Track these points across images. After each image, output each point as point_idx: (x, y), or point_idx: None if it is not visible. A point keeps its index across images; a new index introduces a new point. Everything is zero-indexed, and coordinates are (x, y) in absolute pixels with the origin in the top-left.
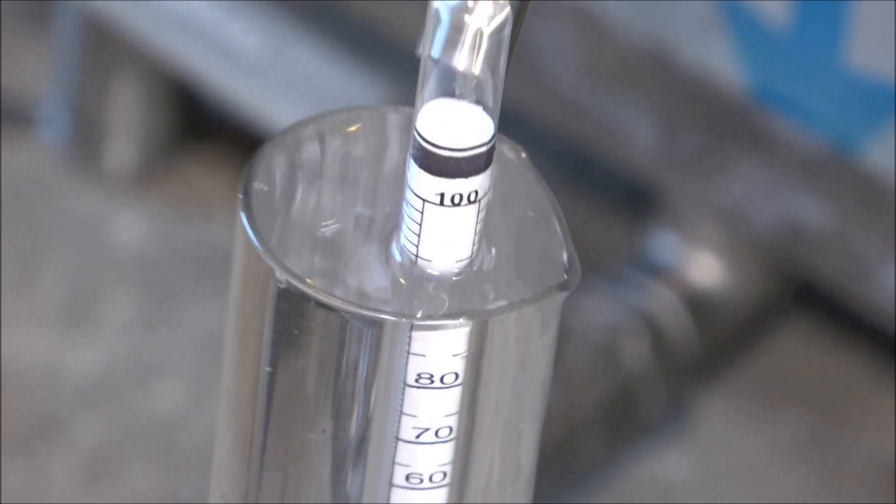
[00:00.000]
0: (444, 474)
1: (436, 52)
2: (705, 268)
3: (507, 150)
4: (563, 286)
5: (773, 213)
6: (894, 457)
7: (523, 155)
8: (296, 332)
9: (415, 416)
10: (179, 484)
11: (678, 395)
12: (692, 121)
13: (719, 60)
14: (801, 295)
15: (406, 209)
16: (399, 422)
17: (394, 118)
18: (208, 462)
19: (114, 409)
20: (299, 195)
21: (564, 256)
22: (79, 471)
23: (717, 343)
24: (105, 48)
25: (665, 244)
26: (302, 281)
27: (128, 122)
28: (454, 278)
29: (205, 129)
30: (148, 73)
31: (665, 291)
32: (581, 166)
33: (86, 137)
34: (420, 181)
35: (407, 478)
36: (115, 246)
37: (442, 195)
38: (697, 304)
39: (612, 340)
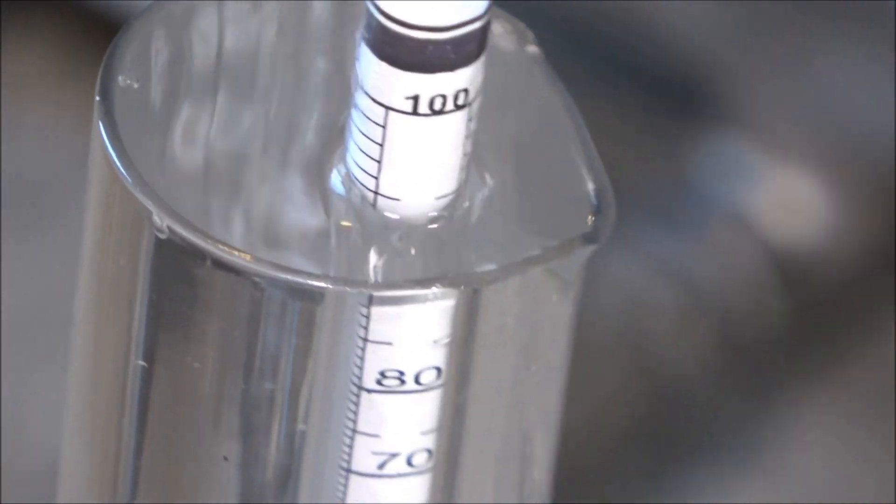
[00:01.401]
0: None
1: None
2: (789, 203)
3: (503, 33)
4: (588, 237)
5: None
6: None
7: (530, 40)
8: (184, 306)
9: (376, 435)
10: None
11: (750, 396)
12: None
13: None
14: None
15: (356, 121)
16: (350, 445)
17: None
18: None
19: None
20: (185, 97)
21: (590, 190)
22: None
23: (809, 318)
24: None
25: (729, 166)
26: (193, 228)
27: None
28: (431, 226)
29: None
30: None
31: (730, 239)
32: (604, 52)
33: None
34: (380, 79)
35: None
36: None
37: (415, 99)
38: (779, 258)
39: (650, 315)
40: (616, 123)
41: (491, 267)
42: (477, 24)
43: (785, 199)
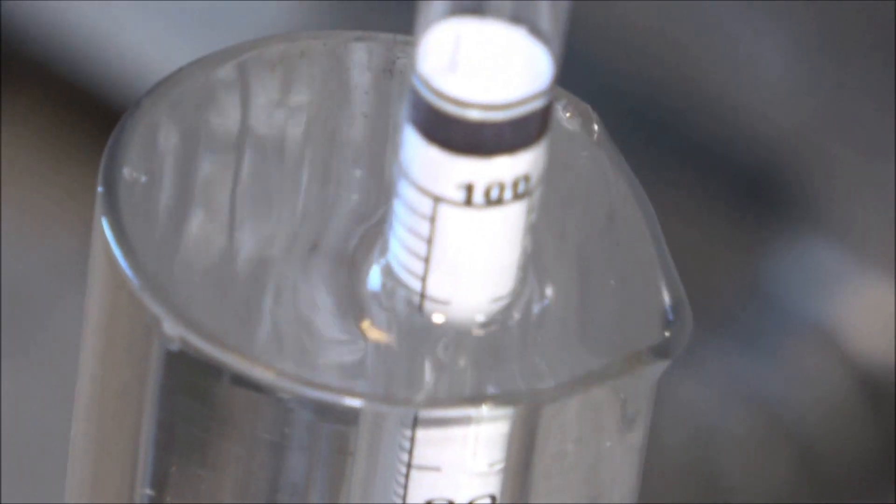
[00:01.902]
0: None
1: None
2: (877, 314)
3: (566, 114)
4: (660, 351)
5: None
6: None
7: (595, 123)
8: (198, 427)
9: None
10: None
11: None
12: (866, 55)
13: None
14: None
15: (400, 215)
16: None
17: (363, 54)
18: None
19: None
20: (200, 189)
21: (665, 298)
22: None
23: None
24: None
25: (818, 270)
26: (210, 338)
27: None
28: (483, 333)
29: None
30: None
31: (812, 357)
32: (675, 142)
33: None
34: (429, 165)
35: None
36: None
37: (469, 187)
38: (866, 378)
39: (723, 444)
40: (685, 221)
41: (550, 383)
42: (539, 103)
43: (872, 310)
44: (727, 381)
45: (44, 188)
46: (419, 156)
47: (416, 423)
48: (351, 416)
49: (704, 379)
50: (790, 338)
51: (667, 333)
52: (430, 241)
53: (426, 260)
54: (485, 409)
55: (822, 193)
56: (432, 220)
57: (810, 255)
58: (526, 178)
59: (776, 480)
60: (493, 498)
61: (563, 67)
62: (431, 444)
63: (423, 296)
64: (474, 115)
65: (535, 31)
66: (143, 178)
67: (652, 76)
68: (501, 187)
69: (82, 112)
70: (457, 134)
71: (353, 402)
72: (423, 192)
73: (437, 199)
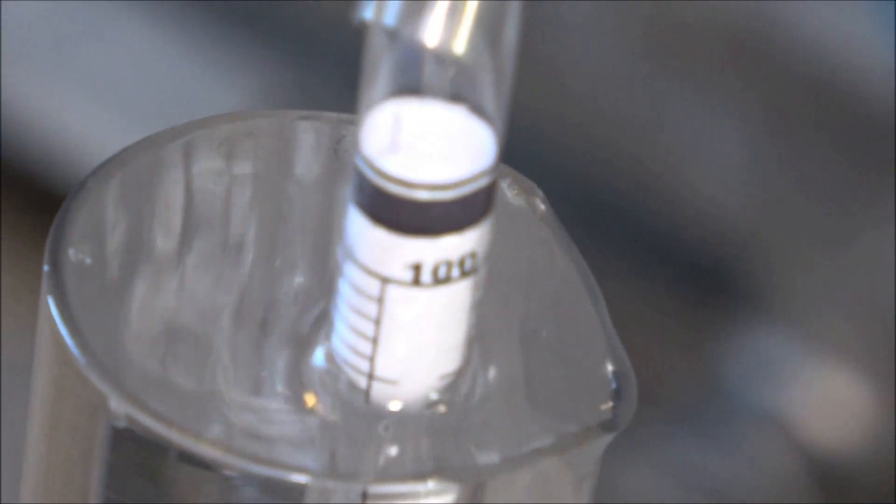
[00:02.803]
0: None
1: (390, 17)
2: (830, 403)
3: (510, 191)
4: (607, 424)
5: None
6: None
7: (540, 200)
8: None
9: None
10: None
11: None
12: (816, 141)
13: (860, 38)
14: None
15: (346, 297)
16: None
17: (308, 133)
18: None
19: None
20: (147, 269)
21: (609, 372)
22: None
23: None
24: None
25: (770, 359)
26: (156, 415)
27: None
28: (429, 411)
29: None
30: None
31: (768, 444)
32: (627, 222)
33: None
34: (376, 247)
35: None
36: None
37: (417, 267)
38: (820, 466)
39: None
40: (634, 308)
41: (496, 458)
42: (485, 180)
43: (824, 399)
44: (679, 469)
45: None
46: (365, 237)
47: (365, 499)
48: (297, 492)
49: (657, 469)
50: (742, 426)
51: (612, 405)
52: (377, 322)
53: (374, 340)
54: (432, 485)
55: (774, 282)
56: (380, 300)
57: (761, 344)
58: (472, 255)
59: None
60: None
61: (509, 149)
62: None
63: (371, 376)
64: (422, 195)
65: (478, 109)
66: (88, 260)
67: (600, 160)
68: (449, 265)
69: (26, 198)
70: (404, 215)
71: (300, 478)
72: (371, 273)
73: (385, 280)
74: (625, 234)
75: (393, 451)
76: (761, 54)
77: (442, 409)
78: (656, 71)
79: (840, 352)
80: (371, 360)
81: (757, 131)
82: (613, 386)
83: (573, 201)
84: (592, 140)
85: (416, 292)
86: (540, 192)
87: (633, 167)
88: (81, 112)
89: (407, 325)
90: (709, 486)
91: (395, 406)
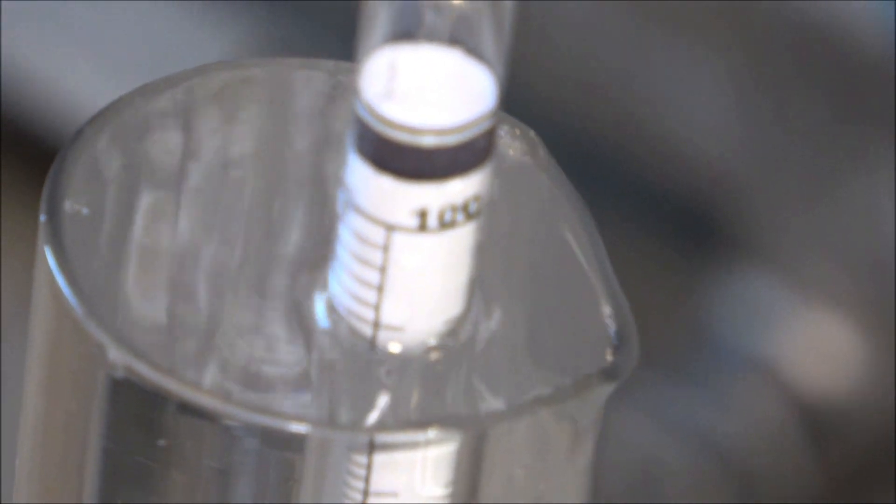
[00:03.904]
0: None
1: None
2: (821, 345)
3: (509, 138)
4: (608, 373)
5: None
6: None
7: (540, 147)
8: (144, 456)
9: None
10: None
11: None
12: (801, 94)
13: None
14: None
15: (349, 246)
16: None
17: (305, 81)
18: None
19: None
20: (141, 218)
21: (610, 322)
22: None
23: (842, 479)
24: None
25: (752, 304)
26: (155, 365)
27: None
28: (434, 356)
29: None
30: None
31: (752, 389)
32: (607, 171)
33: None
34: (381, 195)
35: None
36: None
37: (423, 213)
38: (809, 412)
39: (667, 481)
40: (621, 255)
41: (499, 406)
42: (487, 124)
43: (811, 343)
44: (666, 417)
45: None
46: (369, 185)
47: (372, 448)
48: (298, 442)
49: (648, 417)
50: (730, 371)
51: (613, 355)
52: (383, 270)
53: (379, 289)
54: (433, 433)
55: (762, 228)
56: (385, 248)
57: (749, 289)
58: (476, 199)
59: None
60: None
61: (502, 101)
62: (388, 469)
63: (376, 325)
64: (428, 141)
65: (477, 53)
66: (85, 210)
67: (587, 109)
68: (454, 210)
69: (23, 150)
70: (410, 162)
71: (301, 428)
72: (375, 221)
73: (391, 228)
74: (612, 182)
75: (395, 396)
76: (748, 1)
77: (444, 354)
78: (643, 20)
79: (828, 297)
80: (376, 308)
81: (745, 79)
82: (614, 336)
83: (560, 150)
84: (580, 89)
85: (422, 238)
86: (539, 139)
87: (620, 116)
88: (77, 64)
89: (413, 271)
90: (696, 434)
91: (397, 351)
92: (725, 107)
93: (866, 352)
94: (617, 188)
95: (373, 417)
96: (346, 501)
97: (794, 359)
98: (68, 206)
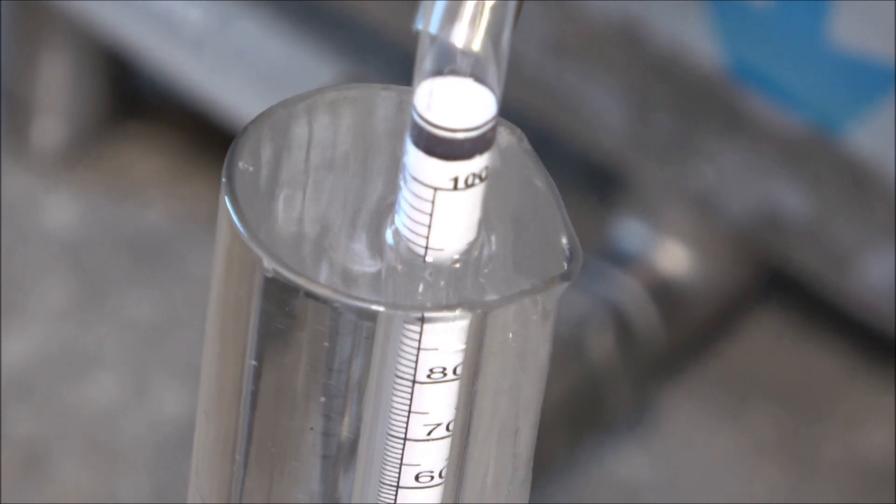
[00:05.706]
0: (445, 469)
1: (433, 26)
2: (675, 257)
3: (504, 132)
4: (564, 276)
5: (748, 200)
6: (877, 455)
7: (522, 138)
8: (284, 324)
9: (426, 412)
10: (116, 481)
11: (643, 390)
12: (664, 101)
13: (695, 36)
14: (775, 286)
15: (408, 201)
16: (406, 421)
17: (383, 98)
18: (147, 458)
19: (47, 402)
20: (283, 178)
21: (565, 245)
22: (12, 466)
23: (686, 336)
24: (33, 17)
25: (633, 232)
26: (292, 270)
27: (58, 97)
28: (457, 265)
29: (141, 107)
30: (80, 44)
31: (632, 282)
32: (546, 148)
33: (13, 114)
34: (428, 168)
35: (416, 477)
36: (45, 231)
37: (456, 179)
38: (665, 295)
39: (576, 333)
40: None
41: (495, 297)
42: (492, 124)
43: (670, 255)
44: (589, 290)
45: (189, 186)
46: (422, 164)
47: (422, 320)
48: (373, 315)
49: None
50: (619, 268)
51: (567, 265)
52: (431, 215)
53: (429, 227)
54: (457, 312)
55: (639, 185)
56: (432, 202)
57: (632, 221)
58: (486, 168)
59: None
60: (462, 365)
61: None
62: (433, 334)
63: (426, 248)
64: (460, 136)
65: (484, 81)
66: (251, 169)
67: (525, 112)
68: (474, 176)
69: (206, 137)
70: (446, 148)
71: (377, 307)
72: (426, 185)
73: (436, 189)
74: (556, 157)
75: (434, 289)
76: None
77: (463, 264)
78: (563, 53)
79: (678, 228)
80: (426, 237)
81: (630, 92)
82: (568, 253)
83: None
84: (534, 103)
85: (455, 194)
86: (524, 135)
87: (555, 118)
88: (236, 85)
89: (450, 215)
90: (603, 297)
91: (436, 261)
92: (619, 109)
93: (699, 258)
94: (558, 161)
95: (421, 301)
96: (406, 354)
97: (656, 260)
98: (241, 166)
